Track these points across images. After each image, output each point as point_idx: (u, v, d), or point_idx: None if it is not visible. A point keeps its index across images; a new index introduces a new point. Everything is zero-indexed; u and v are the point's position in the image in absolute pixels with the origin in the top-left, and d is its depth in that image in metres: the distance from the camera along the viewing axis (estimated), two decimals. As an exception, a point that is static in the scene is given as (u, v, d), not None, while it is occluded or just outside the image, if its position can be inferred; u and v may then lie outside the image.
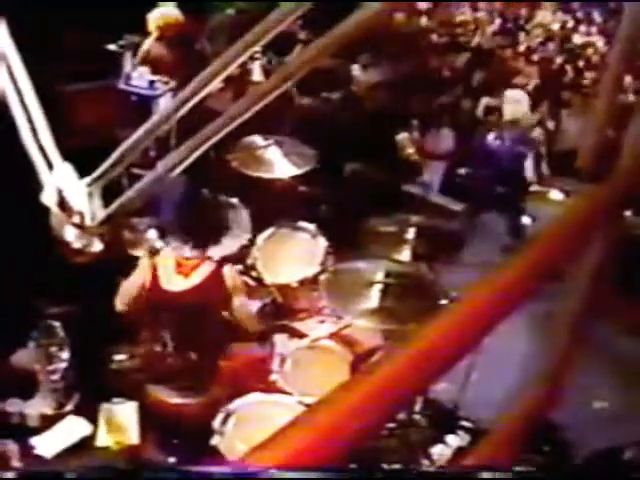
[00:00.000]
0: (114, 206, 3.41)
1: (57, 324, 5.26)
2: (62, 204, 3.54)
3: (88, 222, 3.52)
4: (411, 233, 5.52)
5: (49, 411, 5.18)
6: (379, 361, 1.53)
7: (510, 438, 1.96)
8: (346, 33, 2.47)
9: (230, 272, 4.95)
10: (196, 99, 3.08)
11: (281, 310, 5.75)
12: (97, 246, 3.66)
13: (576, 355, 2.19)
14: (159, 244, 5.28)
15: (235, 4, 9.95)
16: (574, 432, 5.42)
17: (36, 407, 5.17)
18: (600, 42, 13.91)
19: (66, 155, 3.56)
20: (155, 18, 7.91)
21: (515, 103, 8.06)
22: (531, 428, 2.04)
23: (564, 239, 1.84)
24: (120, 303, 4.95)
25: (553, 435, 5.25)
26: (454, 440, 5.32)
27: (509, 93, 8.26)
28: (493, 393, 5.03)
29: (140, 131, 3.23)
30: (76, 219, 3.49)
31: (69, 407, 5.23)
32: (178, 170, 3.22)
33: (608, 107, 2.15)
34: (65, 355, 5.23)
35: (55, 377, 5.20)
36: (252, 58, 7.45)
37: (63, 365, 5.21)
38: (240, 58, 2.90)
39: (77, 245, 3.65)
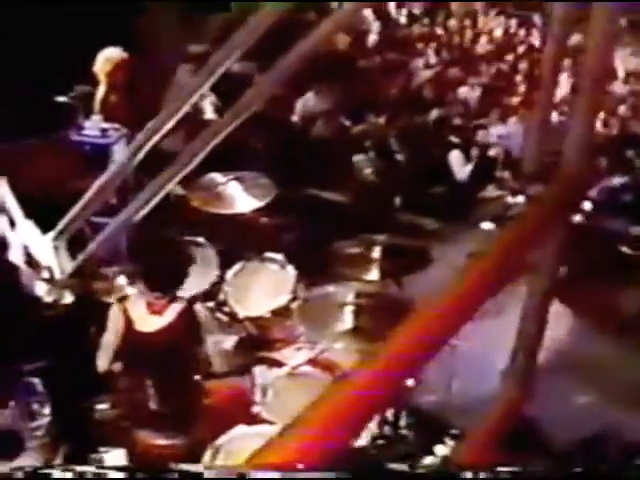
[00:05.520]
0: (82, 257, 3.45)
1: (36, 380, 5.25)
2: (29, 260, 3.57)
3: (57, 276, 3.55)
4: (377, 252, 5.59)
5: (37, 466, 5.16)
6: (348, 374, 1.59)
7: (489, 437, 2.03)
8: (292, 64, 2.53)
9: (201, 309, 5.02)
10: (152, 142, 3.13)
11: (257, 342, 5.79)
12: (68, 298, 3.70)
13: (540, 349, 2.26)
14: (129, 290, 5.30)
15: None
16: (551, 426, 5.48)
17: (23, 464, 5.15)
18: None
19: (26, 211, 3.60)
20: (101, 65, 7.90)
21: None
22: (508, 425, 2.10)
23: (516, 243, 1.92)
24: (103, 361, 4.99)
25: (531, 430, 5.31)
26: (443, 450, 5.36)
27: None
28: (475, 397, 5.12)
29: (100, 181, 3.28)
30: (45, 274, 3.53)
31: (57, 461, 5.22)
32: (141, 215, 3.26)
33: (546, 114, 2.24)
34: (47, 410, 5.22)
35: (39, 433, 5.19)
36: (201, 96, 7.47)
37: (46, 420, 5.20)
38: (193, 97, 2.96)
39: (48, 299, 3.68)
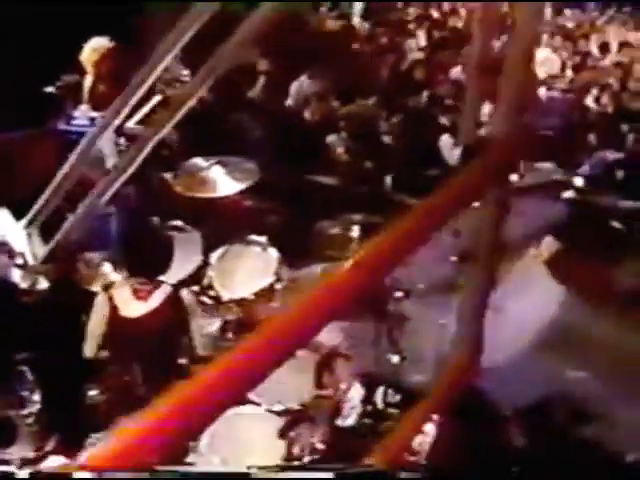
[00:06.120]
0: (53, 242, 3.50)
1: (25, 368, 5.29)
2: (4, 248, 3.62)
3: (31, 262, 3.59)
4: (355, 231, 5.63)
5: (29, 454, 5.22)
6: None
7: (437, 405, 2.06)
8: (248, 33, 2.57)
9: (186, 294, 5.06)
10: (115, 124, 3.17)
11: (243, 325, 5.82)
12: (43, 284, 3.74)
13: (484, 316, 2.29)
14: (114, 276, 5.34)
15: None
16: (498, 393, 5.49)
17: (16, 452, 5.20)
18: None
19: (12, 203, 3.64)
20: (88, 55, 7.90)
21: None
22: (456, 393, 2.13)
23: (442, 210, 1.95)
24: (90, 348, 5.03)
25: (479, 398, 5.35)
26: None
27: None
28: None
29: (65, 168, 3.32)
30: (19, 260, 3.57)
31: (48, 448, 5.26)
32: (108, 195, 3.29)
33: (477, 94, 2.28)
34: (36, 397, 5.26)
35: (30, 420, 5.24)
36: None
37: (36, 407, 5.25)
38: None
39: (24, 285, 3.73)
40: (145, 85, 2.99)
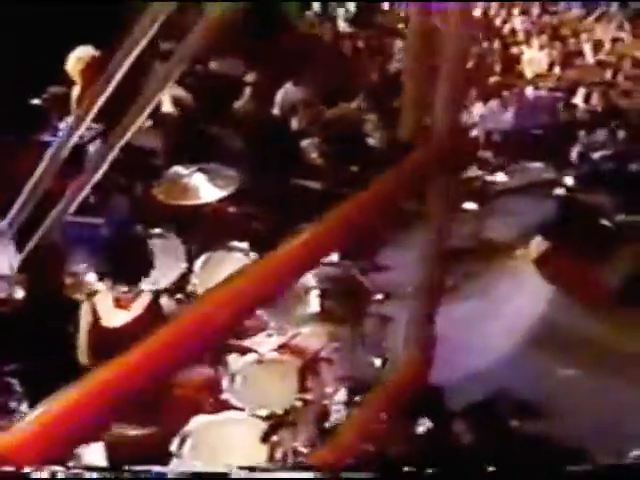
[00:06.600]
0: (25, 252, 3.53)
1: (14, 381, 5.31)
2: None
3: (5, 272, 3.62)
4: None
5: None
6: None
7: (389, 402, 2.09)
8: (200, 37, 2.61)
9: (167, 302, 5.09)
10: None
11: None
12: (19, 293, 3.77)
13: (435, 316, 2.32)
14: (98, 286, 5.37)
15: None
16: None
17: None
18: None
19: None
20: (73, 65, 7.89)
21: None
22: (408, 391, 2.16)
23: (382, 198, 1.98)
24: (82, 355, 5.06)
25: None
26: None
27: None
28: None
29: (35, 176, 3.35)
30: (-5, 271, 3.61)
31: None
32: (77, 202, 3.32)
33: (416, 89, 2.31)
34: (24, 408, 5.28)
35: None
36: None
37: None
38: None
39: (1, 295, 3.76)
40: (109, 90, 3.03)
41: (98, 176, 3.21)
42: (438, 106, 2.20)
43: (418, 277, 2.29)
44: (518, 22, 14.94)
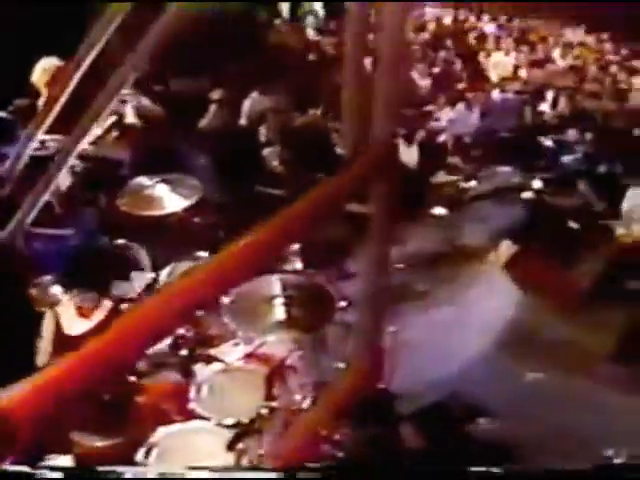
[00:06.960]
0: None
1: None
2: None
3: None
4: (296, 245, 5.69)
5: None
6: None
7: (335, 408, 2.10)
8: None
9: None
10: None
11: (195, 340, 5.83)
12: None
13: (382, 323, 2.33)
14: (63, 297, 5.38)
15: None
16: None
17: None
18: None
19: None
20: (39, 77, 7.86)
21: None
22: (355, 397, 2.17)
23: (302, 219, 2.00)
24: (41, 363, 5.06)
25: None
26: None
27: None
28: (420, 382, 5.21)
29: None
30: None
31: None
32: (33, 214, 3.33)
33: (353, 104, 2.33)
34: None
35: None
36: (122, 101, 7.42)
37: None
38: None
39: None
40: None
41: (55, 184, 3.21)
42: (376, 114, 2.21)
43: (364, 284, 2.30)
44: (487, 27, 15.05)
